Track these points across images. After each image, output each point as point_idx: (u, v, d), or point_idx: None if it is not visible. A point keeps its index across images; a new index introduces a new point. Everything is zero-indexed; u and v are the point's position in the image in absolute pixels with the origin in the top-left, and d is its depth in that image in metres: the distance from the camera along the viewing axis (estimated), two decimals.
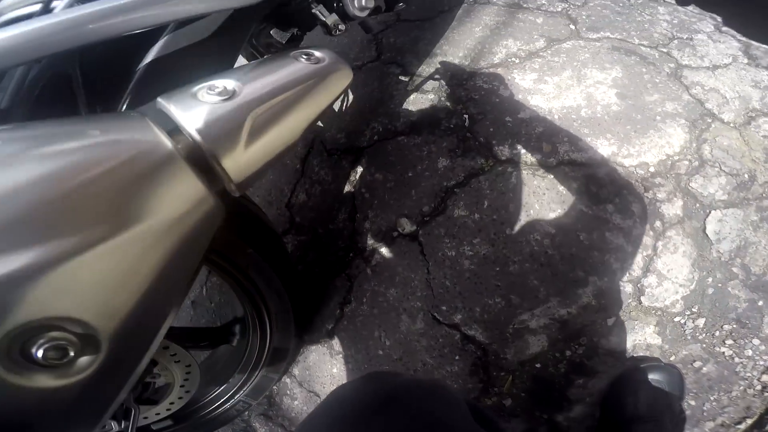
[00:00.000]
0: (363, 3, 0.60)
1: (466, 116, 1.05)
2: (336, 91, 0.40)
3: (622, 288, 0.83)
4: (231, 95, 0.29)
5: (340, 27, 0.63)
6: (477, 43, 1.21)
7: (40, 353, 0.20)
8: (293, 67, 0.36)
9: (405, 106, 1.16)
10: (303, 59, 0.38)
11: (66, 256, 0.21)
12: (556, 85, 1.03)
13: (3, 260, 0.19)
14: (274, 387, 1.04)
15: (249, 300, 0.76)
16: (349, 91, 1.36)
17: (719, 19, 1.14)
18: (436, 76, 1.18)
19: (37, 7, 0.39)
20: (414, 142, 1.06)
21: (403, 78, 1.24)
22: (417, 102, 1.15)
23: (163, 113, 0.28)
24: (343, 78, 0.41)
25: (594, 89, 1.00)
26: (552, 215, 0.88)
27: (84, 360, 0.22)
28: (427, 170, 1.00)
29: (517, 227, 0.89)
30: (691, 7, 1.17)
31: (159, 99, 0.29)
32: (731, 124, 0.92)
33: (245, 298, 0.76)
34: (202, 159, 0.27)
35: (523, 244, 0.87)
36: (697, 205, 0.85)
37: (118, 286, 0.23)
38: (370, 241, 1.01)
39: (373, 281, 0.98)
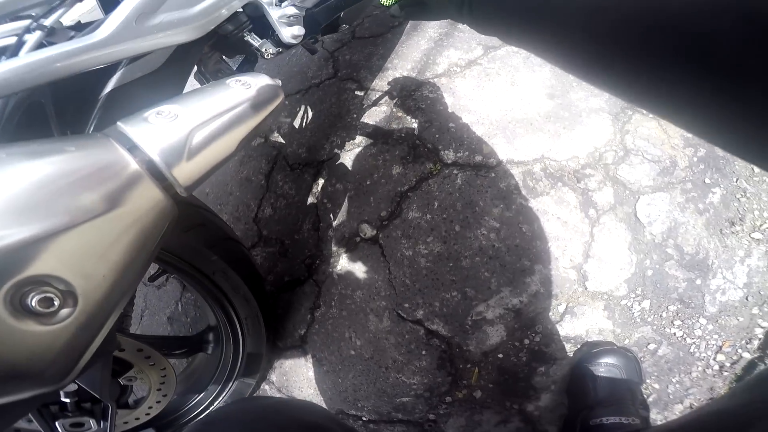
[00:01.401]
0: (294, 32, 0.65)
1: (415, 125, 1.09)
2: (266, 112, 0.44)
3: (566, 275, 0.87)
4: (175, 118, 0.35)
5: (271, 51, 0.68)
6: (423, 56, 1.26)
7: (34, 302, 0.26)
8: (227, 92, 0.41)
9: (361, 119, 1.20)
10: (236, 85, 0.42)
11: (55, 232, 0.27)
12: (493, 90, 1.08)
13: (9, 233, 0.26)
14: (254, 393, 1.06)
15: (219, 306, 0.80)
16: (308, 107, 1.42)
17: None
18: (388, 90, 1.23)
19: (12, 40, 0.44)
20: (370, 152, 1.11)
21: (358, 93, 1.28)
22: (372, 115, 1.19)
23: (123, 134, 0.34)
24: (272, 100, 0.45)
25: (526, 91, 1.05)
26: (496, 210, 0.92)
27: (65, 311, 0.28)
28: (383, 177, 1.05)
29: (465, 224, 0.93)
30: None
31: (118, 123, 0.35)
32: (650, 115, 0.97)
33: (215, 305, 0.80)
34: (155, 169, 0.33)
35: (471, 240, 0.92)
36: (627, 191, 0.90)
37: (93, 257, 0.29)
38: (335, 248, 1.05)
39: (340, 285, 1.01)
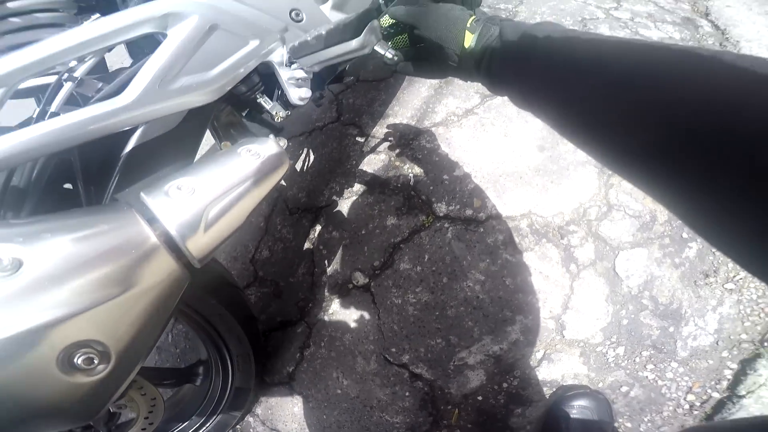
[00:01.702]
0: (301, 95, 0.74)
1: (411, 176, 1.19)
2: (273, 181, 0.51)
3: (545, 324, 0.94)
4: (192, 192, 0.42)
5: (281, 115, 0.78)
6: (423, 103, 1.37)
7: (80, 361, 0.36)
8: (239, 163, 0.48)
9: (360, 166, 1.30)
10: (247, 155, 0.49)
11: (93, 306, 0.36)
12: (487, 142, 1.18)
13: (58, 308, 0.34)
14: (238, 426, 1.10)
15: (212, 343, 0.87)
16: (311, 151, 1.52)
17: None
18: (388, 137, 1.33)
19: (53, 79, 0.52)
20: (367, 201, 1.20)
21: (359, 139, 1.39)
22: (371, 162, 1.29)
23: (145, 206, 0.42)
24: (279, 169, 0.52)
25: (517, 143, 1.15)
26: (482, 264, 1.00)
27: (101, 366, 0.37)
28: (378, 228, 1.13)
29: (452, 276, 1.01)
30: None
31: (141, 194, 0.42)
32: None
33: (209, 342, 0.87)
34: (172, 242, 0.41)
35: (458, 291, 0.99)
36: (607, 247, 0.97)
37: (122, 324, 0.38)
38: (328, 293, 1.13)
39: (331, 328, 1.09)
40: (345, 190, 1.26)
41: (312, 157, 1.42)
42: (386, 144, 1.32)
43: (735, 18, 2.06)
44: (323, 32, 0.55)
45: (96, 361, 0.37)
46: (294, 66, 0.65)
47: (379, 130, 1.37)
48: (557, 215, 1.02)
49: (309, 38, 0.58)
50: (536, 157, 1.11)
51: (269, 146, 0.52)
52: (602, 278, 0.95)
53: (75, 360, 0.36)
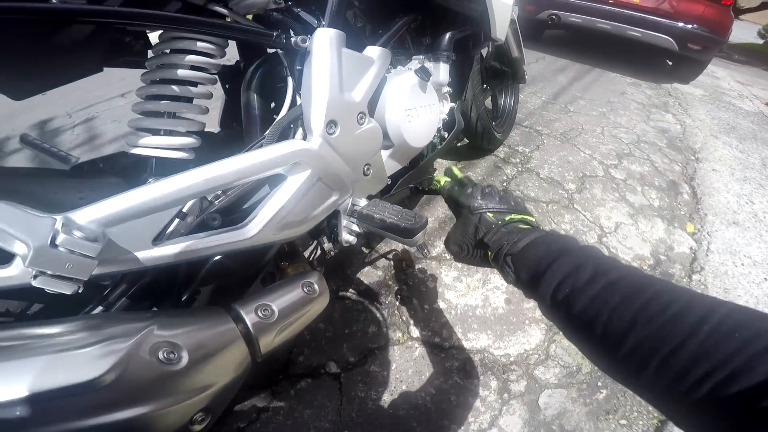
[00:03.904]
0: (350, 240, 1.15)
1: (399, 297, 1.81)
2: (319, 311, 0.92)
3: None
4: (272, 314, 0.82)
5: (332, 252, 1.43)
6: (426, 234, 2.22)
7: (197, 421, 0.65)
8: (300, 296, 0.86)
9: (358, 275, 1.90)
10: (305, 290, 0.87)
11: (217, 385, 0.69)
12: (467, 285, 1.81)
13: (202, 389, 0.66)
14: None
15: None
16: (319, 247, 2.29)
17: None
18: (388, 257, 1.96)
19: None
20: (356, 307, 1.77)
21: (364, 249, 2.02)
22: (368, 274, 1.90)
23: (240, 316, 0.75)
24: (323, 302, 0.90)
25: (491, 293, 1.78)
26: (436, 381, 1.53)
27: (206, 419, 0.67)
28: (360, 332, 1.68)
29: (411, 385, 1.53)
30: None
31: (236, 306, 0.76)
32: None
33: None
34: (250, 340, 0.77)
35: (412, 397, 1.50)
36: (536, 385, 1.52)
37: (221, 397, 0.70)
38: (300, 371, 1.62)
39: (293, 400, 1.55)
40: (340, 292, 1.84)
41: (318, 252, 2.14)
42: (384, 263, 1.96)
43: (714, 185, 3.08)
44: (387, 222, 1.01)
45: (201, 418, 0.66)
46: (353, 219, 1.08)
47: (383, 248, 2.01)
48: (505, 356, 1.60)
49: (375, 217, 1.02)
50: (502, 308, 1.74)
51: (323, 284, 0.92)
52: (526, 407, 1.49)
53: (195, 418, 0.65)
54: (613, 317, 0.61)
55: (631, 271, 0.68)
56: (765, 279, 2.34)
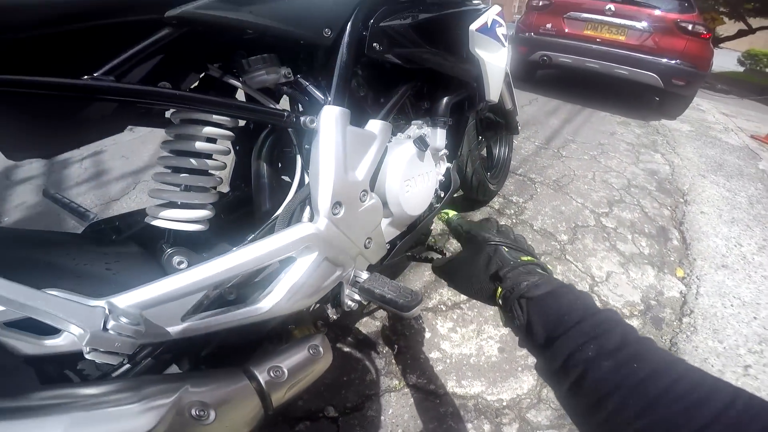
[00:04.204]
0: (352, 306, 1.24)
1: (396, 346, 1.90)
2: (323, 370, 1.03)
3: None
4: (282, 374, 0.94)
5: (333, 317, 1.33)
6: (423, 285, 2.17)
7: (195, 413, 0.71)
8: (307, 357, 1.00)
9: (356, 325, 2.00)
10: (311, 352, 0.98)
11: None
12: (462, 336, 1.91)
13: None
14: None
15: None
16: None
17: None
18: (384, 310, 2.10)
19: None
20: (355, 356, 1.86)
21: (363, 302, 2.25)
22: (366, 324, 2.00)
23: (255, 376, 0.87)
24: (328, 363, 1.01)
25: (485, 342, 1.88)
26: (430, 425, 1.62)
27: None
28: (357, 379, 1.77)
29: (407, 430, 1.62)
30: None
31: (250, 367, 0.91)
32: None
33: None
34: (264, 396, 0.90)
35: None
36: (528, 427, 1.61)
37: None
38: (299, 414, 1.70)
39: None
40: (339, 341, 1.94)
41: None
42: (383, 314, 2.07)
43: (703, 229, 3.25)
44: (386, 297, 1.10)
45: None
46: (355, 290, 1.18)
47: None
48: (498, 401, 1.69)
49: (376, 292, 1.12)
50: (496, 357, 1.84)
51: (327, 345, 1.04)
52: None
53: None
54: (635, 391, 0.61)
55: (653, 345, 0.68)
56: (754, 318, 2.44)
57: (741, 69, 18.75)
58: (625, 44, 6.15)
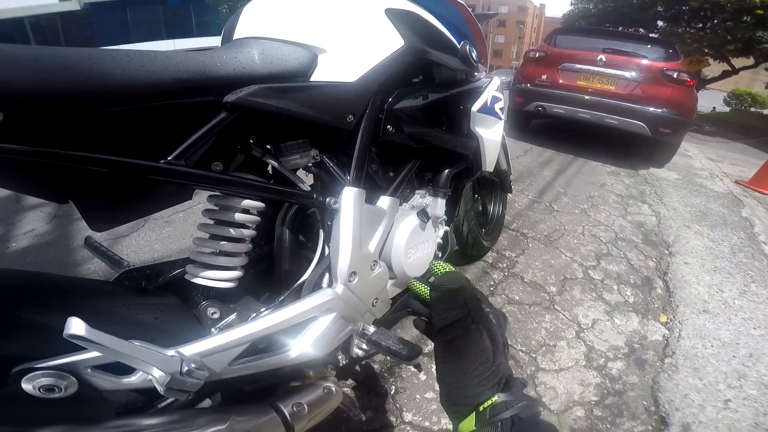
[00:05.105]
0: (360, 355, 1.38)
1: (393, 388, 2.06)
2: (335, 406, 1.25)
3: None
4: (303, 408, 1.10)
5: (343, 362, 1.43)
6: (417, 334, 2.43)
7: None
8: (321, 396, 1.20)
9: (356, 367, 2.17)
10: (325, 392, 1.19)
11: None
12: None
13: None
14: None
15: None
16: None
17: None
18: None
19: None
20: (355, 395, 2.03)
21: (364, 347, 2.46)
22: (365, 367, 2.18)
23: (282, 410, 1.07)
24: (339, 401, 1.23)
25: None
26: None
27: None
28: (356, 416, 1.92)
29: None
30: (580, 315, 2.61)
31: (277, 403, 1.08)
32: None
33: None
34: (288, 426, 1.04)
35: None
36: None
37: None
38: None
39: None
40: (343, 382, 2.10)
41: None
42: (382, 357, 2.23)
43: (686, 277, 3.46)
44: (391, 349, 1.21)
45: None
46: (363, 341, 1.29)
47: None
48: None
49: (382, 344, 1.23)
50: None
51: (336, 386, 1.22)
52: None
53: None
54: None
55: None
56: (734, 356, 2.60)
57: (727, 109, 19.29)
58: (615, 94, 6.52)
